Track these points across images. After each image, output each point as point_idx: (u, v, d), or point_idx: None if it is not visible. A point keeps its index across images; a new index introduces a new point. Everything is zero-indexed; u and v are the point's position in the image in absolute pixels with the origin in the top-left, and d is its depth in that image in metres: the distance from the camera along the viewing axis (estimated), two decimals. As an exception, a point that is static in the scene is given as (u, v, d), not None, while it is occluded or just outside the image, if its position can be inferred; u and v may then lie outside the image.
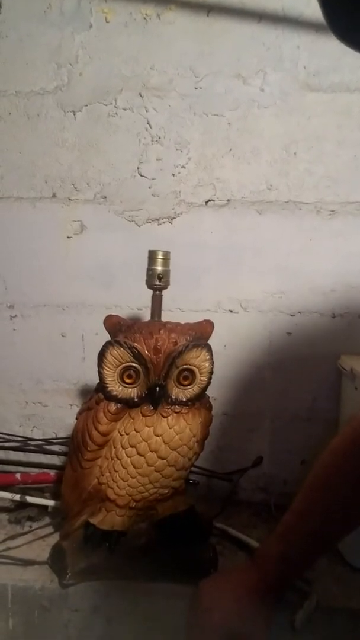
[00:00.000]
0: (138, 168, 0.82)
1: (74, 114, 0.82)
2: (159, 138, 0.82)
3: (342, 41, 0.30)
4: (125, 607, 0.62)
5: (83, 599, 0.62)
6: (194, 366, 0.61)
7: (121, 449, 0.60)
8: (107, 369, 0.59)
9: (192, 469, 0.69)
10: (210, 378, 0.63)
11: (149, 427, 0.60)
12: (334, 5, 0.28)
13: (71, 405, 0.88)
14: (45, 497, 0.78)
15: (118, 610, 0.62)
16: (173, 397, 0.60)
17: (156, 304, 0.66)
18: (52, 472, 0.82)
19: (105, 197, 0.83)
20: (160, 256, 0.65)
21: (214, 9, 0.78)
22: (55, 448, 0.87)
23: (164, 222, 0.83)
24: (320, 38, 0.77)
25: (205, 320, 0.64)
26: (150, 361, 0.58)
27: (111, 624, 0.62)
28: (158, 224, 0.83)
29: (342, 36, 0.29)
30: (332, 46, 0.77)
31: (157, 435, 0.60)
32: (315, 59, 0.78)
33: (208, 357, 0.62)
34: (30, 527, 0.74)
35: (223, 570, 0.65)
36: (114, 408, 0.60)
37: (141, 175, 0.83)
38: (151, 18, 0.79)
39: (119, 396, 0.60)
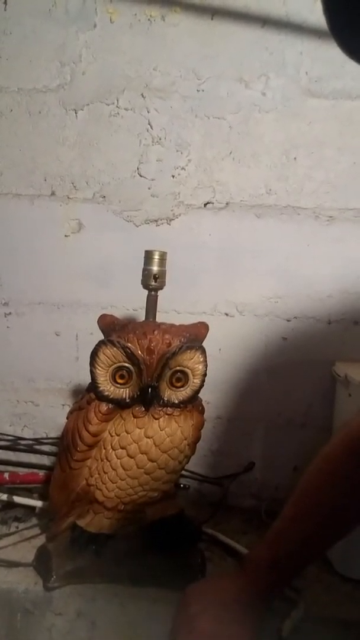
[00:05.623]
0: (138, 168, 0.82)
1: (76, 113, 0.82)
2: (160, 139, 0.81)
3: (347, 53, 0.30)
4: (110, 611, 0.61)
5: (67, 603, 0.61)
6: (187, 368, 0.60)
7: (111, 450, 0.60)
8: (100, 368, 0.59)
9: (183, 473, 0.69)
10: (203, 380, 0.62)
11: (139, 428, 0.59)
12: (338, 16, 0.28)
13: (63, 405, 0.87)
14: (33, 498, 0.77)
15: (103, 614, 0.61)
16: (165, 398, 0.60)
17: (151, 305, 0.66)
18: (41, 473, 0.81)
19: (104, 196, 0.83)
20: (156, 256, 0.65)
21: (219, 12, 0.78)
22: (46, 448, 0.86)
23: (162, 223, 0.83)
24: (323, 45, 0.77)
25: (200, 323, 0.63)
26: (143, 362, 0.58)
27: (96, 629, 0.61)
28: (156, 225, 0.83)
29: (346, 48, 0.30)
30: (334, 53, 0.77)
31: (148, 437, 0.59)
32: (318, 65, 0.78)
33: (202, 359, 0.61)
34: (17, 527, 0.73)
35: (211, 576, 0.64)
36: (105, 408, 0.59)
37: (141, 176, 0.82)
38: (156, 20, 0.79)
39: (111, 396, 0.59)
